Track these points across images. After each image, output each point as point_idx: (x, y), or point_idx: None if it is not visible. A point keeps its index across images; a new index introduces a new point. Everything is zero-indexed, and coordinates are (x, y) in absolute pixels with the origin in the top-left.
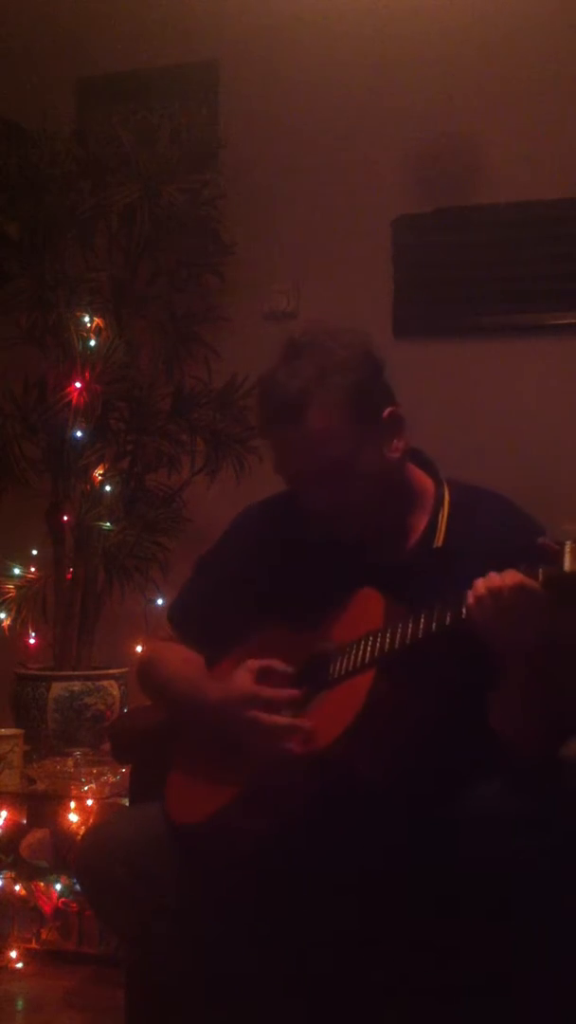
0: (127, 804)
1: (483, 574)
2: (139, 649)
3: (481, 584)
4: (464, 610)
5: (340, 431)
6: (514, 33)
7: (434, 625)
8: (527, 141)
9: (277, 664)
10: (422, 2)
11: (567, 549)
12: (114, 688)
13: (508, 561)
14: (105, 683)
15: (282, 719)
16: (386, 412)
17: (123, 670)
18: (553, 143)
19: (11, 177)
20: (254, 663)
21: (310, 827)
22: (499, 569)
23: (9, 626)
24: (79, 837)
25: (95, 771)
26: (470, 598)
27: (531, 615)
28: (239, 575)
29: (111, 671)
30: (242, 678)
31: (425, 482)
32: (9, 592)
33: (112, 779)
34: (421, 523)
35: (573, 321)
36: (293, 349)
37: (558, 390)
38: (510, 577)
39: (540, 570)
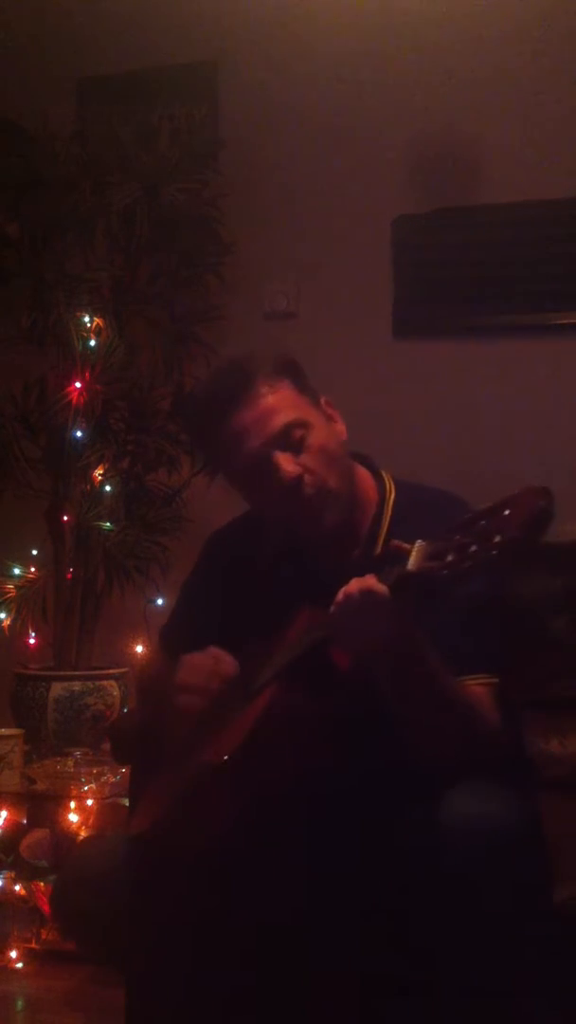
0: (126, 803)
1: None
2: (140, 649)
3: (342, 590)
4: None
5: (290, 394)
6: (514, 33)
7: (311, 636)
8: (527, 141)
9: (225, 656)
10: (422, 2)
11: (415, 548)
12: (114, 688)
13: None
14: (105, 683)
15: (196, 679)
16: (322, 399)
17: (123, 670)
18: (553, 143)
19: (11, 177)
20: (211, 652)
21: (237, 836)
22: None
23: (9, 626)
24: (79, 839)
25: (95, 771)
26: (332, 607)
27: (377, 617)
28: (211, 598)
29: (111, 671)
30: (186, 661)
31: (368, 482)
32: (9, 592)
33: (112, 779)
34: (364, 529)
35: (573, 321)
36: (219, 368)
37: (558, 390)
38: (359, 582)
39: (384, 571)
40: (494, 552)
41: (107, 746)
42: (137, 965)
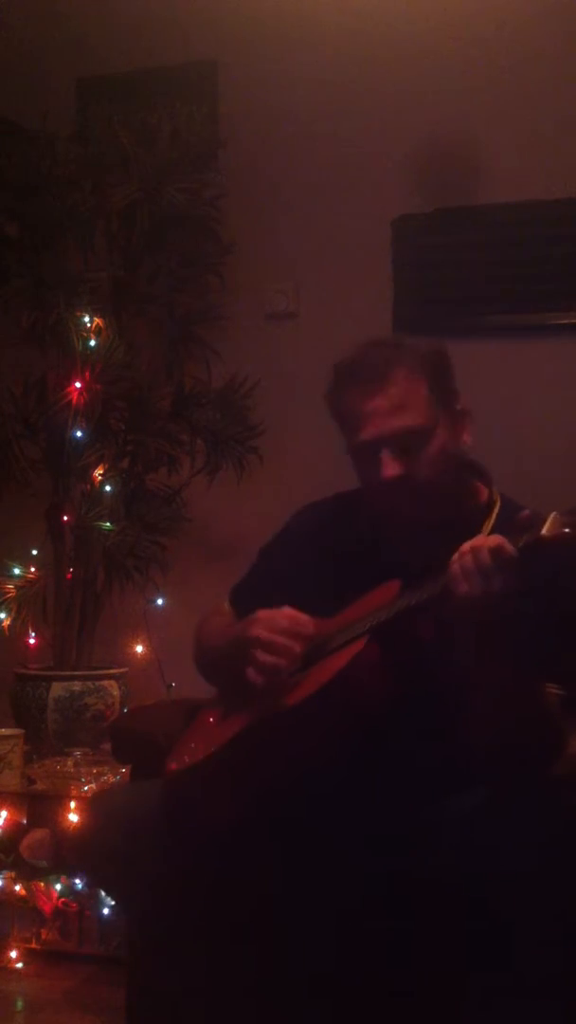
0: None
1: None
2: (139, 649)
3: (467, 544)
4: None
5: (422, 397)
6: (514, 33)
7: (424, 593)
8: (527, 141)
9: (301, 617)
10: (422, 2)
11: (550, 518)
12: (114, 688)
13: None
14: (105, 683)
15: (278, 637)
16: (459, 404)
17: (123, 670)
18: (553, 143)
19: (11, 177)
20: (284, 612)
21: (293, 787)
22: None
23: (9, 626)
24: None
25: (95, 771)
26: (455, 556)
27: (500, 575)
28: (290, 565)
29: (111, 671)
30: (261, 615)
31: (481, 490)
32: (9, 592)
33: (112, 779)
34: (469, 529)
35: (573, 321)
36: (371, 342)
37: (558, 390)
38: (492, 539)
39: (520, 536)
40: None
41: (107, 746)
42: (144, 905)
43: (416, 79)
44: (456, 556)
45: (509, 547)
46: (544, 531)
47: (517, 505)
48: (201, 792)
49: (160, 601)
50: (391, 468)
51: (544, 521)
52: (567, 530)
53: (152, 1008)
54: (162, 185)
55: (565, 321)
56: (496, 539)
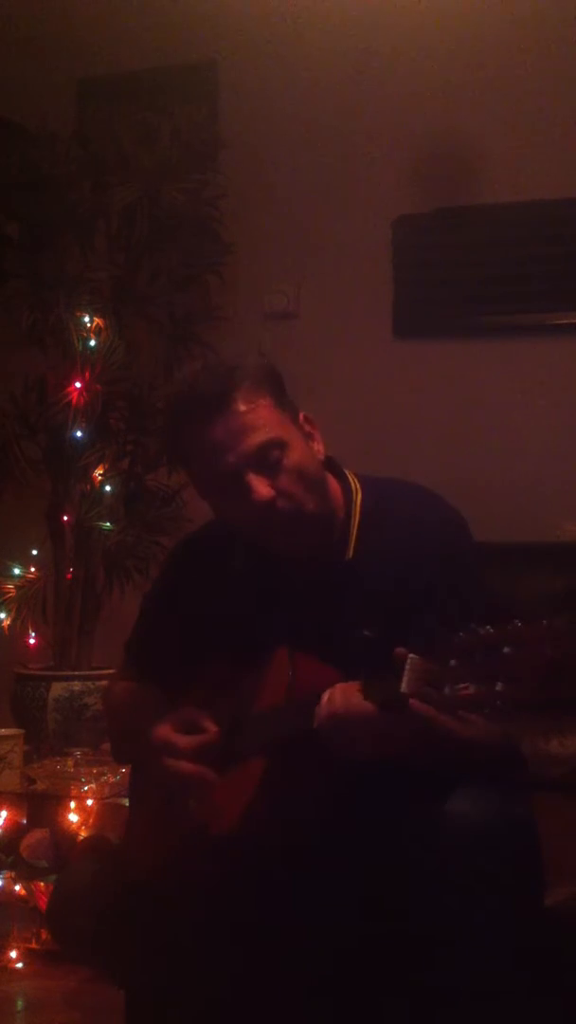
0: (127, 804)
1: (393, 587)
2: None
3: (324, 706)
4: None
5: (269, 411)
6: (514, 33)
7: (297, 725)
8: (527, 141)
9: (202, 718)
10: (422, 2)
11: (408, 664)
12: None
13: (424, 569)
14: (105, 683)
15: (185, 764)
16: (300, 415)
17: None
18: (553, 143)
19: (11, 177)
20: (183, 712)
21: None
22: (417, 577)
23: (9, 626)
24: (80, 838)
25: (95, 771)
26: (315, 719)
27: (363, 733)
28: (177, 609)
29: (111, 671)
30: (162, 727)
31: (335, 488)
32: (9, 592)
33: (112, 779)
34: (334, 534)
35: (573, 321)
36: (202, 369)
37: (558, 390)
38: (344, 696)
39: (370, 692)
40: (495, 703)
41: (107, 746)
42: (132, 979)
43: (416, 79)
44: (322, 711)
45: (365, 707)
46: (404, 687)
47: (380, 489)
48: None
49: None
50: (261, 487)
51: (403, 670)
52: (428, 688)
53: (152, 1009)
54: (162, 185)
55: (565, 321)
56: (351, 699)
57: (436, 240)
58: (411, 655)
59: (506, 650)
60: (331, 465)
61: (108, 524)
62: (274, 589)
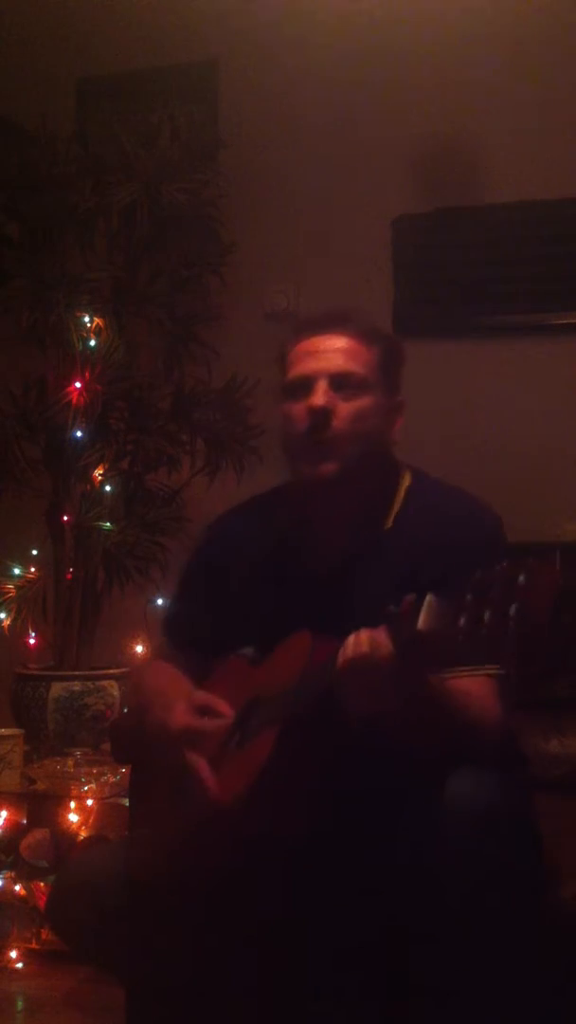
0: (126, 804)
1: (424, 564)
2: (139, 649)
3: (349, 646)
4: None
5: (371, 360)
6: (514, 33)
7: (317, 686)
8: (527, 141)
9: (220, 707)
10: (422, 2)
11: (425, 603)
12: (114, 688)
13: (456, 557)
14: (105, 683)
15: (199, 761)
16: (400, 399)
17: (123, 670)
18: (553, 143)
19: (11, 177)
20: (197, 697)
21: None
22: (448, 564)
23: (9, 626)
24: (79, 838)
25: (95, 771)
26: (339, 659)
27: (382, 673)
28: (210, 587)
29: (111, 671)
30: (180, 711)
31: (389, 468)
32: (9, 592)
33: (112, 779)
34: (374, 504)
35: (573, 321)
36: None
37: (558, 390)
38: (369, 635)
39: (389, 628)
40: (508, 627)
41: (107, 746)
42: (133, 972)
43: (416, 79)
44: (346, 651)
45: (387, 645)
46: (420, 624)
47: (428, 480)
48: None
49: (160, 601)
50: (322, 396)
51: (420, 609)
52: (445, 623)
53: (152, 1009)
54: (162, 185)
55: (565, 321)
56: (378, 644)
57: (436, 240)
58: (429, 595)
59: (520, 579)
60: (390, 459)
61: (108, 524)
62: (304, 561)
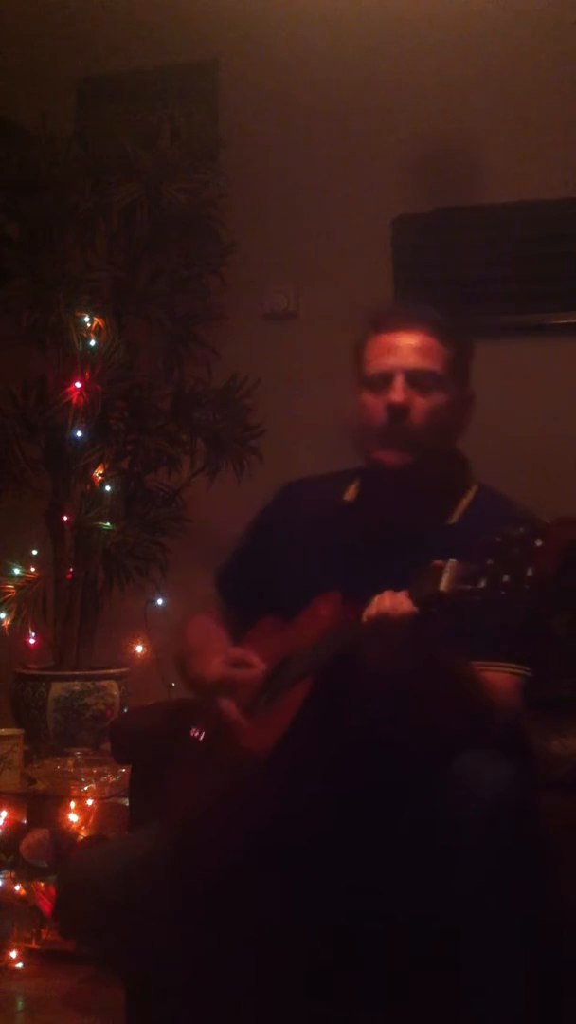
0: (127, 804)
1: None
2: (139, 649)
3: (373, 605)
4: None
5: (447, 358)
6: (514, 33)
7: (341, 644)
8: (527, 141)
9: (252, 657)
10: (422, 2)
11: (447, 567)
12: (114, 688)
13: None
14: (105, 683)
15: (232, 709)
16: (471, 394)
17: (123, 670)
18: (553, 143)
19: (11, 177)
20: (235, 652)
21: (275, 829)
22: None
23: (9, 626)
24: (79, 838)
25: (95, 771)
26: (363, 616)
27: (402, 632)
28: (269, 544)
29: (111, 671)
30: (217, 663)
31: (460, 470)
32: (9, 592)
33: (112, 779)
34: (440, 499)
35: (573, 321)
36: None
37: (558, 390)
38: (392, 597)
39: (415, 589)
40: (527, 586)
41: (107, 746)
42: (136, 966)
43: (416, 78)
44: (370, 610)
45: (410, 609)
46: (442, 586)
47: (495, 496)
48: (201, 840)
49: (160, 601)
50: (401, 393)
51: (442, 572)
52: (467, 587)
53: (152, 1008)
54: (162, 185)
55: (565, 321)
56: (399, 603)
57: (436, 240)
58: (452, 560)
59: (538, 543)
60: (462, 459)
61: (108, 524)
62: (362, 538)
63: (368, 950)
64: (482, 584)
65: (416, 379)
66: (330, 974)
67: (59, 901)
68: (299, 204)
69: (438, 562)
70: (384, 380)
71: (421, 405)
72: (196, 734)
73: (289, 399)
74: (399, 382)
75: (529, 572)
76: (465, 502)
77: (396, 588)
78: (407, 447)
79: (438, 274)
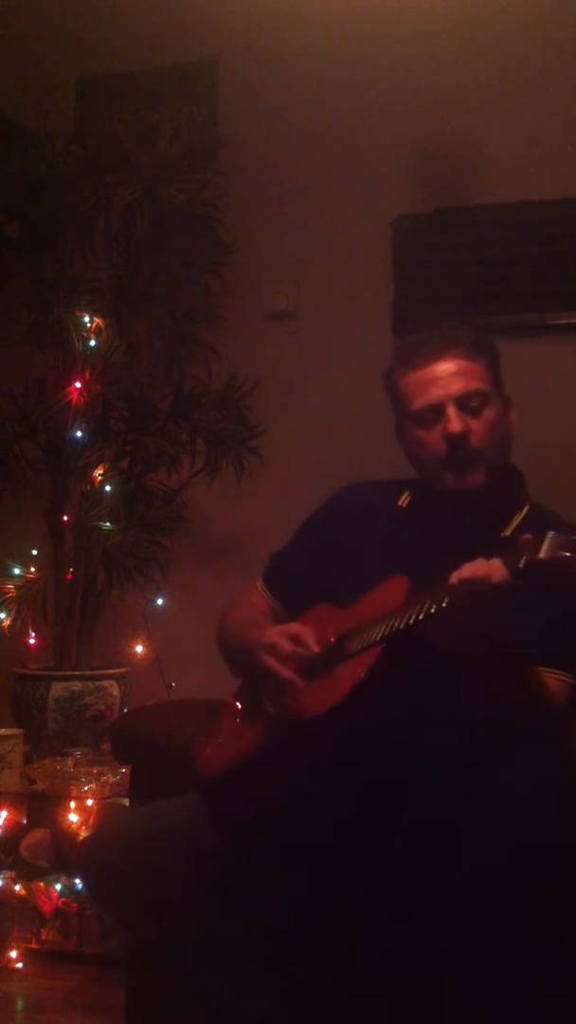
0: (127, 803)
1: None
2: (139, 649)
3: (467, 568)
4: (447, 595)
5: (483, 368)
6: (514, 33)
7: (431, 608)
8: (527, 141)
9: (308, 634)
10: (422, 2)
11: (547, 538)
12: (114, 688)
13: None
14: (105, 683)
15: (284, 669)
16: (506, 394)
17: (123, 670)
18: (553, 143)
19: (11, 177)
20: (293, 627)
21: (312, 795)
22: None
23: (9, 626)
24: (80, 837)
25: (95, 771)
26: (453, 578)
27: (498, 601)
28: (321, 544)
29: (111, 671)
30: (274, 630)
31: (515, 483)
32: (9, 592)
33: (112, 779)
34: (496, 510)
35: (573, 321)
36: (433, 321)
37: (558, 390)
38: (491, 567)
39: (510, 558)
40: None
41: (107, 746)
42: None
43: (416, 79)
44: (455, 578)
45: (505, 576)
46: (542, 554)
47: (546, 513)
48: (234, 799)
49: (160, 601)
50: (457, 421)
51: (542, 542)
52: (567, 553)
53: (152, 1008)
54: (162, 185)
55: (565, 321)
56: (494, 568)
57: (436, 240)
58: (550, 532)
59: None
60: (518, 474)
61: (108, 524)
62: (419, 545)
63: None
64: None
65: (466, 403)
66: (334, 974)
67: (82, 857)
68: (299, 204)
69: (527, 536)
70: (435, 413)
71: (478, 427)
72: (236, 703)
73: (289, 399)
74: (452, 412)
75: None
76: (518, 518)
77: None
78: (477, 468)
79: (438, 274)
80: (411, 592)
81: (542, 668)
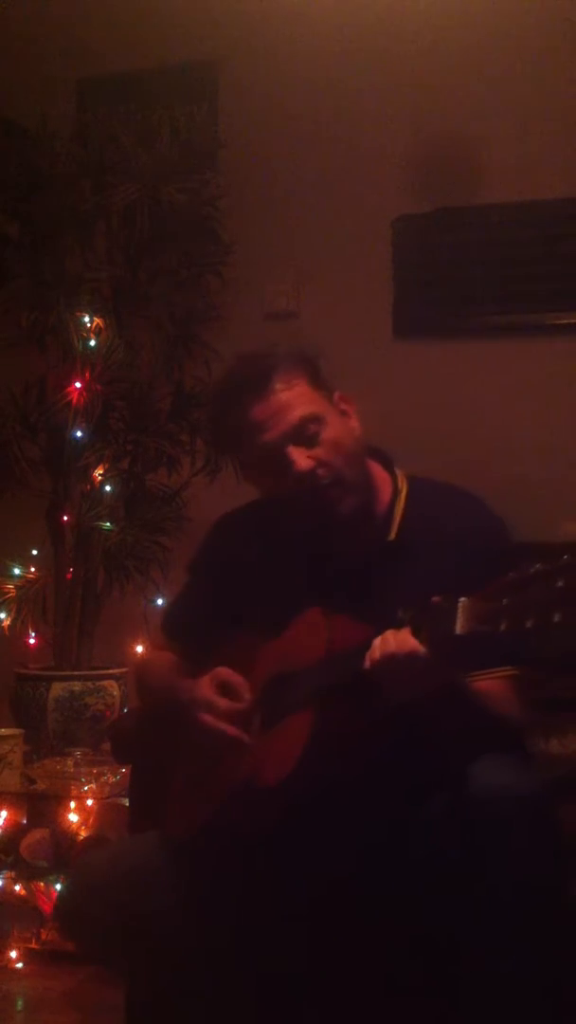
0: (127, 803)
1: (441, 573)
2: (139, 650)
3: (377, 648)
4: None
5: (304, 389)
6: (514, 33)
7: (344, 674)
8: (527, 141)
9: (239, 683)
10: (422, 2)
11: (460, 607)
12: (114, 688)
13: (465, 563)
14: (105, 683)
15: (229, 727)
16: (336, 394)
17: (123, 670)
18: (553, 143)
19: (11, 177)
20: (220, 672)
21: (289, 860)
22: (457, 570)
23: (9, 626)
24: (80, 838)
25: (95, 771)
26: (367, 661)
27: (417, 675)
28: (215, 583)
29: (111, 671)
30: (203, 684)
31: (382, 475)
32: (9, 592)
33: (112, 779)
34: (376, 517)
35: (573, 321)
36: (239, 357)
37: (558, 390)
38: (399, 641)
39: (426, 632)
40: (552, 632)
41: (107, 746)
42: (139, 970)
43: (416, 79)
44: (374, 654)
45: (420, 650)
46: (458, 628)
47: (426, 485)
48: (207, 863)
49: (160, 601)
50: (301, 459)
51: (456, 611)
52: (484, 627)
53: (152, 1009)
54: (162, 185)
55: (565, 321)
56: (407, 642)
57: (436, 240)
58: (461, 598)
59: (559, 583)
60: (379, 456)
61: (108, 524)
62: (309, 569)
63: (375, 956)
64: (503, 627)
65: (299, 434)
66: (332, 977)
67: (61, 905)
68: (299, 204)
69: (438, 600)
70: (273, 456)
71: (321, 453)
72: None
73: None
74: (291, 451)
75: (556, 618)
76: (398, 513)
77: (362, 606)
78: (334, 491)
79: (438, 274)
80: (328, 624)
81: (484, 671)
